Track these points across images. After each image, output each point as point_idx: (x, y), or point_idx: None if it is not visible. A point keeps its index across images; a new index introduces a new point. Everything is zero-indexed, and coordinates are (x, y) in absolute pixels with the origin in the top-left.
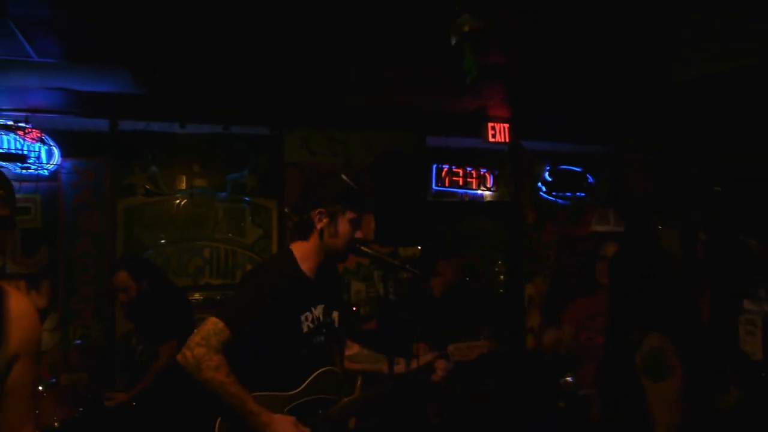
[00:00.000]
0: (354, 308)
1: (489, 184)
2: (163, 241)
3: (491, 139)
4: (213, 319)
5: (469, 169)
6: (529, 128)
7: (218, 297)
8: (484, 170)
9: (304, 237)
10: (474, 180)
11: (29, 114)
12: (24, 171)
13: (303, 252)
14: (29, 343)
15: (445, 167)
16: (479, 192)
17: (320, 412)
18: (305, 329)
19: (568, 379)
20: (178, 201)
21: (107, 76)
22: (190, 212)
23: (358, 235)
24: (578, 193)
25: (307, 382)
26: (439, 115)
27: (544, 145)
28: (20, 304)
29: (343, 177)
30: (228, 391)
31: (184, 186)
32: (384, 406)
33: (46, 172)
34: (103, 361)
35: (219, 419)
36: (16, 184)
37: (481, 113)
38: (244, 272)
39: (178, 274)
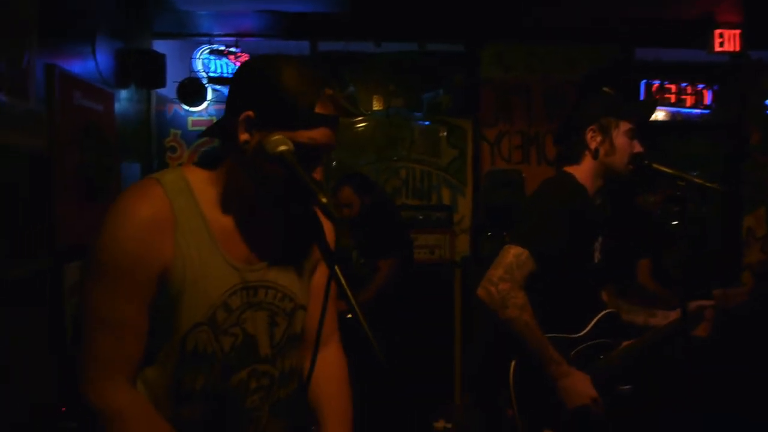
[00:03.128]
0: None
1: (706, 101)
2: (361, 161)
3: (718, 48)
4: (515, 250)
5: (683, 84)
6: (763, 35)
7: (420, 217)
8: (702, 86)
9: (576, 161)
10: (689, 97)
11: (239, 39)
12: None
13: (581, 175)
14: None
15: (656, 83)
16: (694, 110)
17: (601, 357)
18: (596, 259)
19: None
20: (375, 121)
21: None
22: (387, 132)
23: (638, 148)
24: None
25: (592, 323)
26: (652, 24)
27: None
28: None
29: (605, 89)
30: (533, 334)
31: (380, 106)
32: (659, 353)
33: None
34: None
35: (514, 362)
36: None
37: (705, 19)
38: (532, 194)
39: None
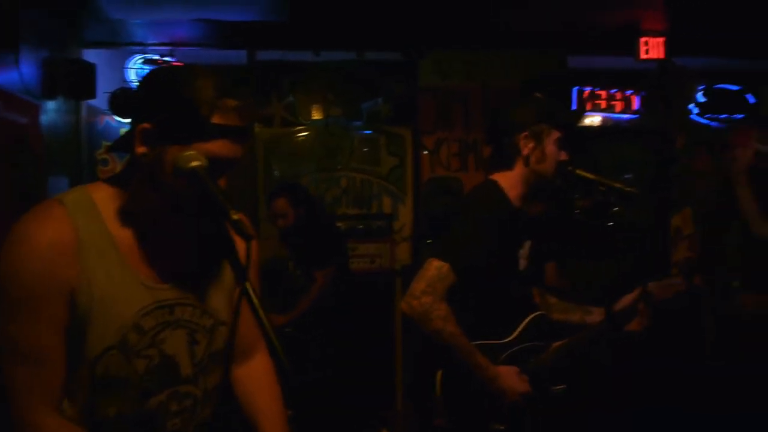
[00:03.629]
0: None
1: (635, 106)
2: (300, 171)
3: (643, 56)
4: (436, 263)
5: (613, 90)
6: (686, 42)
7: (360, 226)
8: (630, 92)
9: (508, 166)
10: (618, 102)
11: (174, 48)
12: None
13: (508, 182)
14: (256, 262)
15: (588, 89)
16: (624, 116)
17: (532, 360)
18: (521, 266)
19: None
20: (314, 130)
21: (246, 2)
22: (327, 142)
23: (564, 156)
24: (736, 115)
25: (520, 328)
26: (584, 32)
27: (698, 61)
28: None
29: (538, 95)
30: (458, 343)
31: (320, 115)
32: (590, 352)
33: None
34: None
35: (441, 372)
36: None
37: (632, 27)
38: (458, 205)
39: None
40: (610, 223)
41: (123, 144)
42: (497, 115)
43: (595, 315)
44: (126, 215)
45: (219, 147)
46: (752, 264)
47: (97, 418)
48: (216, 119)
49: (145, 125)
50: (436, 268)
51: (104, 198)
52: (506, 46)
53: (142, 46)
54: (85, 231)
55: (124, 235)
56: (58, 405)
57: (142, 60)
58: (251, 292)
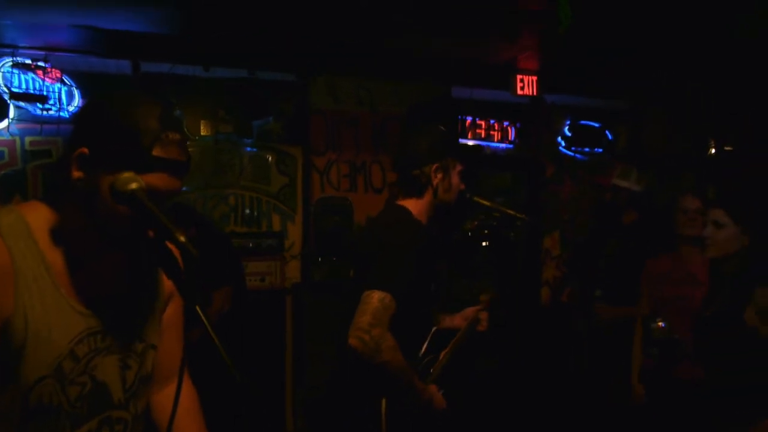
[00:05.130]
0: None
1: (510, 137)
2: (187, 187)
3: (519, 92)
4: (378, 294)
5: (492, 121)
6: (554, 81)
7: (250, 244)
8: (507, 123)
9: (418, 194)
10: (496, 132)
11: (49, 53)
12: (44, 113)
13: (417, 209)
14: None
15: (469, 119)
16: (501, 145)
17: (431, 371)
18: (432, 288)
19: (660, 324)
20: (202, 146)
21: (132, 12)
22: (216, 158)
23: (463, 186)
24: (596, 149)
25: (425, 344)
26: (468, 66)
27: (564, 99)
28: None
29: (441, 128)
30: (405, 371)
31: (209, 131)
32: (465, 354)
33: (66, 114)
34: None
35: (385, 400)
36: (36, 127)
37: (510, 65)
38: (375, 233)
39: None
40: (485, 243)
41: (58, 166)
42: (406, 145)
43: (447, 321)
44: (59, 240)
45: (158, 180)
46: (613, 278)
47: None
48: (157, 152)
49: (83, 150)
50: (378, 299)
51: (39, 222)
52: (394, 76)
53: (12, 48)
54: (20, 257)
55: (57, 260)
56: None
57: (11, 63)
58: (200, 312)
